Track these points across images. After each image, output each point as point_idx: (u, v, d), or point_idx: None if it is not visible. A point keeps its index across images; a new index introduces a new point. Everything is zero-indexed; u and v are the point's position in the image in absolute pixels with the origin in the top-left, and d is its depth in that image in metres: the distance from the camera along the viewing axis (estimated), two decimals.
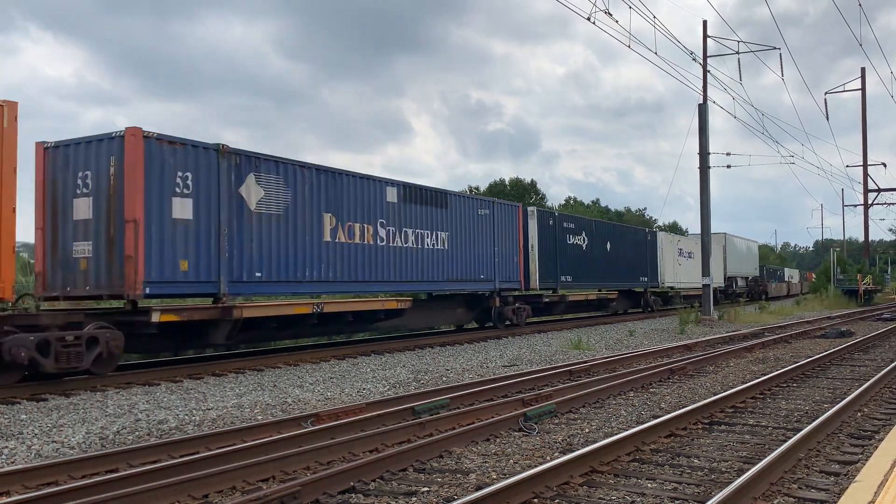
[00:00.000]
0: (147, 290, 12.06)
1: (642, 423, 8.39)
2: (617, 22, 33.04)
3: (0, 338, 10.18)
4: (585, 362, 14.04)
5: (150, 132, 12.30)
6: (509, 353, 16.24)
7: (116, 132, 12.24)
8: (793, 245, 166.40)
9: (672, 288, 36.01)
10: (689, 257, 38.89)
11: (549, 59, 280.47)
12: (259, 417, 9.18)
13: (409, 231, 17.99)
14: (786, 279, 72.38)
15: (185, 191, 12.80)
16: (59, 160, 12.74)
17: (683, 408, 8.92)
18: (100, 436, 7.96)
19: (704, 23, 35.05)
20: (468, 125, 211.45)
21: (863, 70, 51.79)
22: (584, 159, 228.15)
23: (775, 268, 74.05)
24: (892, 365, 12.77)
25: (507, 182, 73.49)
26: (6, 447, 7.40)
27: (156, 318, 12.08)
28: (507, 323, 22.26)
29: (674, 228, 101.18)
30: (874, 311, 38.16)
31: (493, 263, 21.33)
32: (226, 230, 13.36)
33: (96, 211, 12.31)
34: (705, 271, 29.64)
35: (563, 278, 24.96)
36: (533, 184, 74.14)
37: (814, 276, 79.66)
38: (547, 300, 24.61)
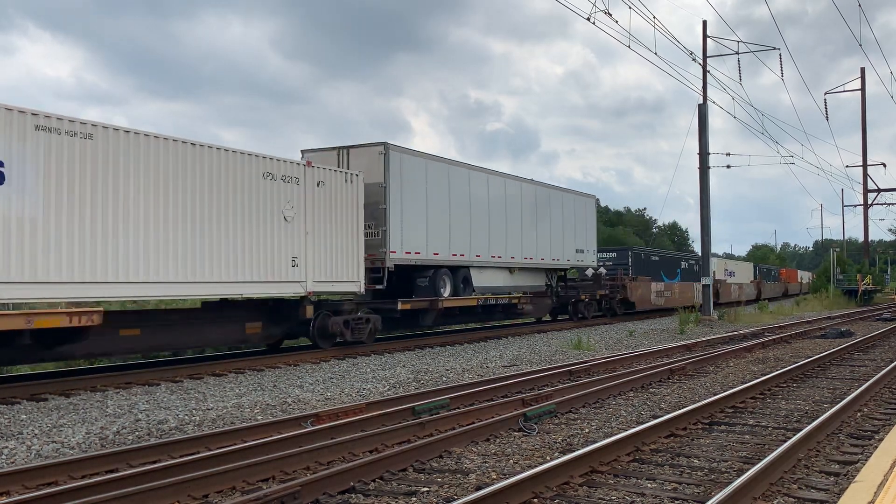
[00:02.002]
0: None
1: (642, 423, 8.39)
2: (616, 22, 33.19)
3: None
4: (585, 362, 14.04)
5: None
6: (509, 353, 16.25)
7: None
8: (793, 245, 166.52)
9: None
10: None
11: (548, 58, 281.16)
12: (259, 417, 9.18)
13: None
14: (723, 277, 41.43)
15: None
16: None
17: (683, 408, 8.92)
18: (100, 436, 7.96)
19: (704, 23, 35.07)
20: (467, 125, 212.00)
21: (862, 70, 51.98)
22: (583, 159, 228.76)
23: (678, 255, 40.66)
24: (892, 365, 12.78)
25: None
26: (6, 447, 7.40)
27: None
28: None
29: (674, 228, 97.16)
30: (874, 311, 38.19)
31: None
32: None
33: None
34: (705, 271, 29.89)
35: None
36: None
37: (800, 274, 75.53)
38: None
